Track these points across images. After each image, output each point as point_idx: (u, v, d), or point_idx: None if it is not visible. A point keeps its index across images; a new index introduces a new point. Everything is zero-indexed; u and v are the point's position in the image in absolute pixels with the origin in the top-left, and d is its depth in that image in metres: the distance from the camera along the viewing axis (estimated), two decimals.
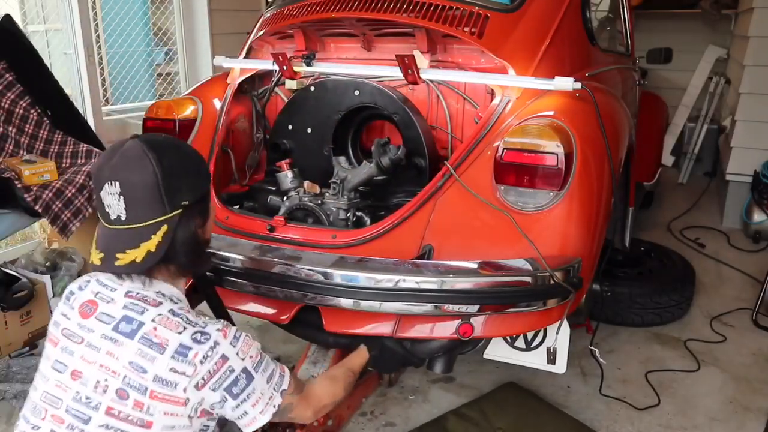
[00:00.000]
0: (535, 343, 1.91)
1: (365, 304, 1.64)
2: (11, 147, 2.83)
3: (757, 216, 4.06)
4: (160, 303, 1.24)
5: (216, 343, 1.22)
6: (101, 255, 1.24)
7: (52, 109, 3.00)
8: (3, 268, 2.79)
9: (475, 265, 1.66)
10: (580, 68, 2.24)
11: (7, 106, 2.82)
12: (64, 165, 2.92)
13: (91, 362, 1.22)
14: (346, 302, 1.65)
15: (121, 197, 1.21)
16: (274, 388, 1.31)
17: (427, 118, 2.26)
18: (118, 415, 1.19)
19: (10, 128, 2.83)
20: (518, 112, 1.89)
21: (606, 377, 2.47)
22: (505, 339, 1.89)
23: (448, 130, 2.26)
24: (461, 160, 1.84)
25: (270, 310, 1.87)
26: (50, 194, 2.67)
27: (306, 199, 2.05)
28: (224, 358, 1.22)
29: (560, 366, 1.90)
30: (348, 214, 2.03)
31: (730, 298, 3.25)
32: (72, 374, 1.23)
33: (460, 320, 1.67)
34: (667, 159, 5.52)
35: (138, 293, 1.26)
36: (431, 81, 2.24)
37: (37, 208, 2.60)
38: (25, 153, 2.86)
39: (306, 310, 1.80)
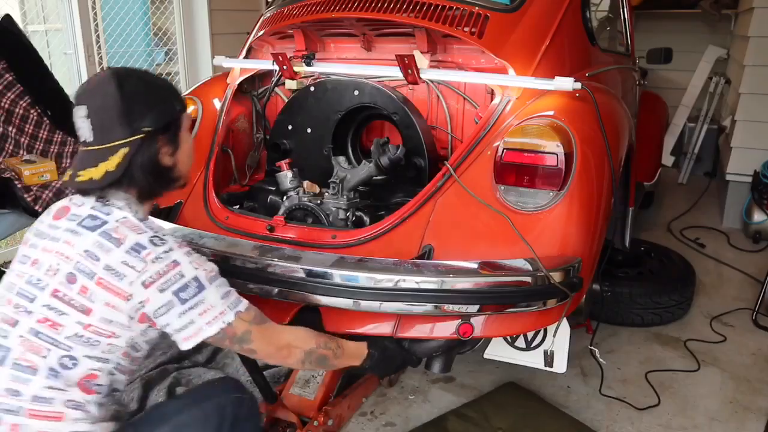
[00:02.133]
0: (535, 343, 1.91)
1: (365, 304, 1.64)
2: (11, 147, 2.83)
3: (757, 216, 4.06)
4: (126, 215, 1.34)
5: (170, 249, 1.30)
6: (70, 173, 1.35)
7: (52, 109, 3.00)
8: (3, 268, 2.79)
9: (475, 265, 1.66)
10: (580, 68, 2.24)
11: (7, 106, 2.82)
12: (64, 165, 2.92)
13: (49, 251, 1.31)
14: (346, 302, 1.65)
15: (88, 119, 1.32)
16: (228, 306, 1.34)
17: (427, 118, 2.26)
18: (62, 298, 1.27)
19: (10, 128, 2.83)
20: (518, 112, 1.89)
21: (606, 377, 2.47)
22: (505, 339, 1.89)
23: (448, 130, 2.26)
24: (461, 160, 1.85)
25: (270, 311, 1.87)
26: (50, 194, 2.68)
27: (305, 198, 2.05)
28: (176, 263, 1.29)
29: (560, 366, 1.90)
30: (347, 214, 2.03)
31: (730, 298, 3.25)
32: (31, 263, 1.32)
33: (460, 320, 1.67)
34: (667, 159, 5.52)
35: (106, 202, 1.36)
36: (431, 81, 2.24)
37: (37, 208, 2.60)
38: (25, 153, 2.86)
39: (306, 310, 1.80)
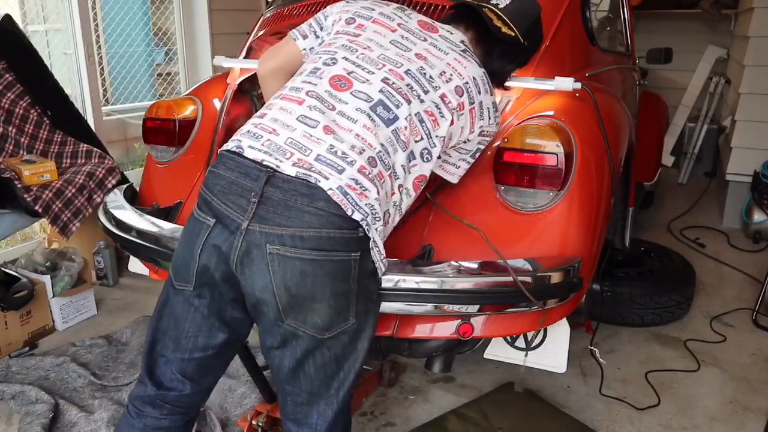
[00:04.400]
0: (535, 343, 1.91)
1: None
2: (11, 147, 2.84)
3: (757, 216, 4.06)
4: None
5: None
6: None
7: (52, 109, 3.00)
8: (3, 268, 2.80)
9: (475, 265, 1.66)
10: (580, 68, 2.24)
11: (7, 106, 2.82)
12: (64, 165, 2.93)
13: (439, 57, 1.45)
14: None
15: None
16: None
17: None
18: (447, 104, 1.41)
19: (10, 128, 2.83)
20: (518, 112, 1.89)
21: (606, 377, 2.47)
22: (505, 339, 1.89)
23: None
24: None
25: None
26: (50, 194, 2.68)
27: None
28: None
29: (560, 366, 1.90)
30: None
31: (730, 298, 3.25)
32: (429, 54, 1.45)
33: (460, 320, 1.67)
34: (667, 159, 5.52)
35: None
36: None
37: (37, 208, 2.60)
38: (25, 153, 2.86)
39: None
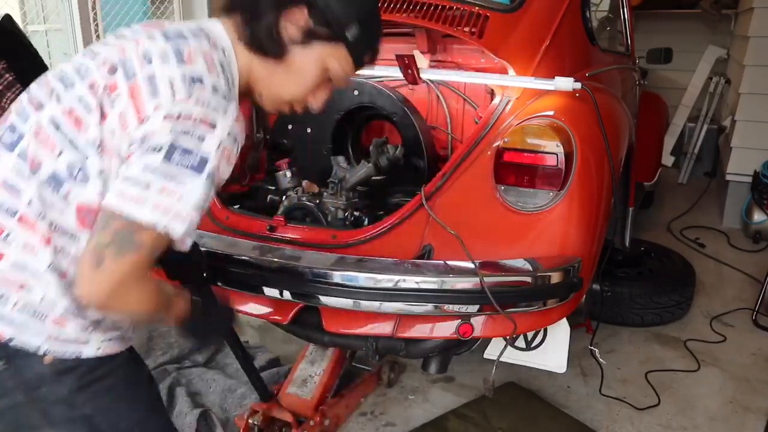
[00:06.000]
0: (535, 343, 1.91)
1: (365, 304, 1.64)
2: None
3: (757, 216, 4.06)
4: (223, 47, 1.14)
5: (225, 112, 1.04)
6: None
7: None
8: None
9: (474, 266, 1.66)
10: (580, 68, 2.24)
11: (7, 106, 2.82)
12: None
13: (113, 45, 1.08)
14: (346, 302, 1.65)
15: None
16: (176, 214, 0.98)
17: (426, 119, 2.26)
18: (95, 90, 1.03)
19: None
20: (518, 112, 1.89)
21: (606, 377, 2.47)
22: (504, 339, 1.89)
23: (448, 131, 2.26)
24: (458, 163, 1.83)
25: (270, 310, 1.87)
26: None
27: (304, 198, 2.05)
28: (211, 126, 1.02)
29: (560, 366, 1.90)
30: (346, 214, 2.03)
31: (730, 298, 3.25)
32: (91, 55, 1.09)
33: (460, 320, 1.67)
34: (667, 159, 5.52)
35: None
36: (431, 81, 2.24)
37: None
38: None
39: (306, 310, 1.80)
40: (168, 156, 0.96)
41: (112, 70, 1.03)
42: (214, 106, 1.01)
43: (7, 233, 1.00)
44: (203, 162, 0.98)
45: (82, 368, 1.06)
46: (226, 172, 1.05)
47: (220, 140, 1.00)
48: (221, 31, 1.15)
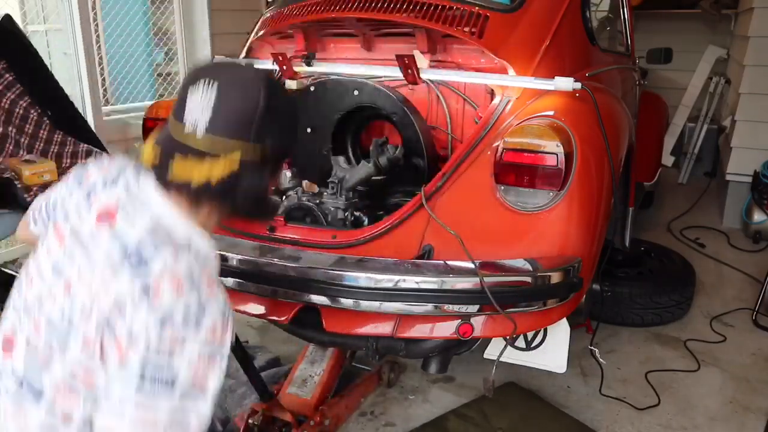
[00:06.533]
0: (535, 343, 1.91)
1: (365, 304, 1.64)
2: (11, 147, 2.83)
3: (757, 216, 4.06)
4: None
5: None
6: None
7: (52, 109, 2.99)
8: (3, 268, 2.79)
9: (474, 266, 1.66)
10: (580, 68, 2.24)
11: (7, 106, 2.81)
12: (64, 165, 2.92)
13: (85, 282, 1.04)
14: (346, 302, 1.65)
15: (211, 101, 1.02)
16: None
17: (427, 119, 2.25)
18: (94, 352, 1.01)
19: (10, 128, 2.83)
20: (518, 112, 1.89)
21: (606, 377, 2.47)
22: (504, 339, 1.89)
23: (448, 131, 2.26)
24: (456, 165, 1.83)
25: (270, 310, 1.88)
26: None
27: (304, 198, 2.05)
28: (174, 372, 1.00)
29: (560, 366, 1.90)
30: (346, 214, 2.03)
31: (730, 298, 3.25)
32: (65, 287, 1.06)
33: (460, 320, 1.67)
34: (667, 159, 5.52)
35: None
36: (431, 81, 2.24)
37: None
38: (25, 153, 2.85)
39: (305, 310, 1.80)
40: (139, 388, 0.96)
41: (100, 329, 1.00)
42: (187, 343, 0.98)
43: None
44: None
45: None
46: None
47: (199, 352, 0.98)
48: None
